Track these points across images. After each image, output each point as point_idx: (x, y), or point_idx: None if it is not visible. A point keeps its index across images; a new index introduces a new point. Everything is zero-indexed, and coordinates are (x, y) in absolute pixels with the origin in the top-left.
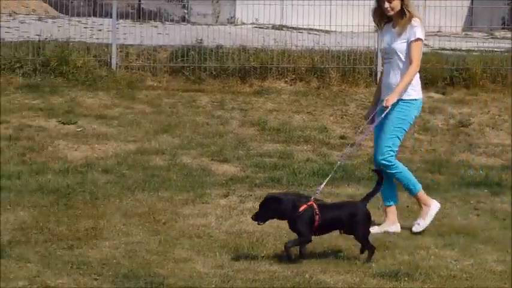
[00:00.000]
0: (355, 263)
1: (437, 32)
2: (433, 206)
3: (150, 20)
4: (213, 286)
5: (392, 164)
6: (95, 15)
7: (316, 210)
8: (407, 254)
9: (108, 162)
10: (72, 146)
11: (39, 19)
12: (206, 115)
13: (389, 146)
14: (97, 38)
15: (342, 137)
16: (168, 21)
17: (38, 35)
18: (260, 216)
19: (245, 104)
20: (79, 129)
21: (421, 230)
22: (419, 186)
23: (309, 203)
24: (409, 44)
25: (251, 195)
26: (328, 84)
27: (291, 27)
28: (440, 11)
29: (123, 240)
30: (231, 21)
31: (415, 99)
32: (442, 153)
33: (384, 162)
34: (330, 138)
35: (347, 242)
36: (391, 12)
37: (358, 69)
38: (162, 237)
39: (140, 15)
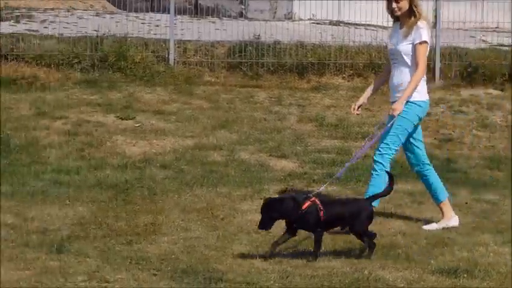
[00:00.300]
0: (413, 259)
1: (496, 28)
2: (453, 221)
3: (208, 15)
4: (272, 282)
5: (383, 163)
6: (152, 10)
7: (320, 206)
8: (466, 251)
9: (166, 158)
10: (131, 142)
11: (97, 15)
12: (264, 111)
13: (388, 144)
14: (155, 34)
15: None
16: (225, 17)
17: (96, 30)
18: (265, 223)
19: (303, 100)
20: (137, 125)
21: (432, 229)
22: (446, 195)
23: (311, 199)
24: (415, 47)
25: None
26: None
27: (348, 23)
28: (498, 6)
29: (181, 236)
30: (288, 16)
31: (419, 101)
32: (501, 149)
33: (377, 158)
34: None
35: (406, 239)
36: (398, 13)
37: None
38: (221, 232)
39: (198, 11)
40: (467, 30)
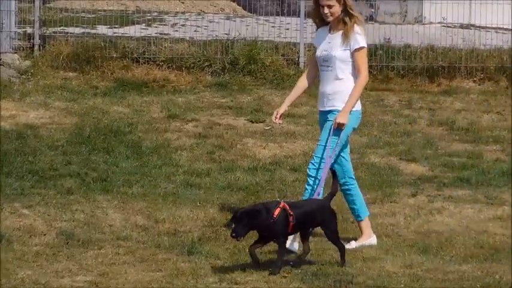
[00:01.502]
0: None
1: None
2: (372, 240)
3: None
4: (402, 285)
5: (318, 177)
6: (282, 14)
7: (289, 211)
8: None
9: (296, 161)
10: (261, 144)
11: (228, 18)
12: (394, 114)
13: (323, 158)
14: (285, 37)
15: None
16: None
17: (226, 33)
18: (239, 233)
19: (433, 104)
20: (267, 128)
21: (350, 248)
22: (367, 213)
23: (280, 206)
24: (353, 54)
25: (439, 195)
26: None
27: (478, 26)
28: None
29: (310, 239)
30: (419, 20)
31: (356, 110)
32: None
33: (312, 173)
34: None
35: None
36: (331, 18)
37: None
38: (350, 235)
39: None
40: None
